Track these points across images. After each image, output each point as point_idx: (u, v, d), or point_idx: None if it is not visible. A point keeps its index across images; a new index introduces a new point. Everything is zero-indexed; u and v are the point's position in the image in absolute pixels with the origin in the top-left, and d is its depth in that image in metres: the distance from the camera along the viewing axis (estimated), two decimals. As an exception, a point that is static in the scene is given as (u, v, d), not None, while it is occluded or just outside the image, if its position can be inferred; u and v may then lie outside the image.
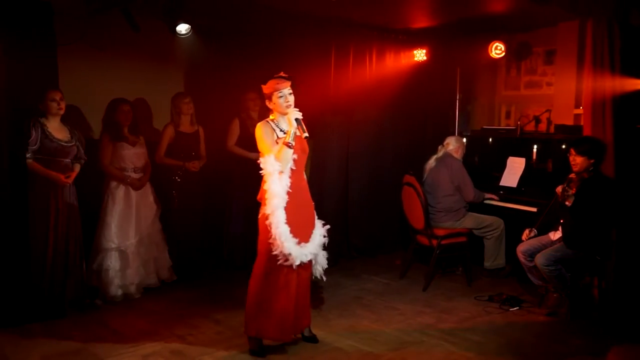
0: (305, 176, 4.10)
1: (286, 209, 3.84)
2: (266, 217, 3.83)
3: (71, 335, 4.30)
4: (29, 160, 4.50)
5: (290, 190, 3.85)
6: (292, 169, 3.87)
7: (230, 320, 4.60)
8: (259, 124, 3.93)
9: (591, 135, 4.83)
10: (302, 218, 3.96)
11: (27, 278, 4.46)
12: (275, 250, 3.81)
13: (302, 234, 3.92)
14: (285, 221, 3.81)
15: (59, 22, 4.85)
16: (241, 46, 6.13)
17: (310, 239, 3.99)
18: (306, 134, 3.87)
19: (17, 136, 4.43)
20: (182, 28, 5.04)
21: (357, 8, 5.46)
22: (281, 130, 3.90)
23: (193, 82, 6.35)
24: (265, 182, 3.86)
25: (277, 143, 3.82)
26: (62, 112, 4.66)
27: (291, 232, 3.83)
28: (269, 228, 3.81)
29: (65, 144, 4.66)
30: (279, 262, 3.83)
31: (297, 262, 3.86)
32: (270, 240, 3.81)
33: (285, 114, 3.87)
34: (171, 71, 6.24)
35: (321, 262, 4.14)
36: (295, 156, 3.85)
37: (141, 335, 4.34)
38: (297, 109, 3.85)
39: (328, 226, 4.14)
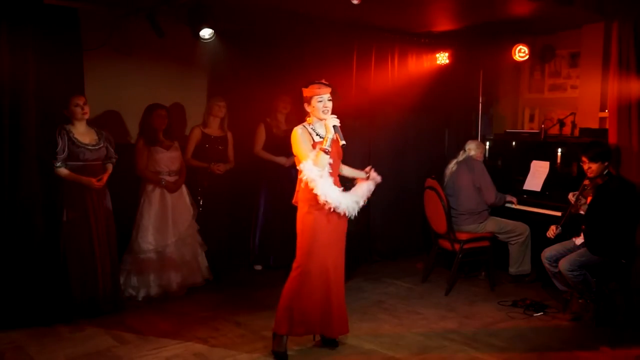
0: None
1: (322, 211, 3.91)
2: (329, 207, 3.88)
3: (96, 337, 4.35)
4: (60, 169, 4.58)
5: None
6: (329, 173, 3.91)
7: (251, 323, 4.62)
8: (295, 128, 3.97)
9: (597, 140, 4.82)
10: (335, 220, 4.00)
11: (53, 279, 4.53)
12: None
13: (332, 235, 3.99)
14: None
15: (85, 27, 4.93)
16: (264, 50, 6.17)
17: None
18: (343, 142, 3.87)
19: (46, 144, 4.49)
20: (206, 33, 5.08)
21: (380, 12, 5.46)
22: (317, 135, 3.94)
23: (216, 86, 6.40)
24: (301, 185, 3.93)
25: (314, 148, 3.86)
26: (86, 116, 4.73)
27: (322, 235, 3.94)
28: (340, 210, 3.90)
29: (92, 148, 4.73)
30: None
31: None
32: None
33: (322, 119, 3.91)
34: (195, 75, 6.29)
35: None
36: (331, 160, 3.89)
37: (164, 337, 4.37)
38: (335, 116, 3.88)
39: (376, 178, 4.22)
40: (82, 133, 4.73)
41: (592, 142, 4.83)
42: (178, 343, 4.26)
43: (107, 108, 5.64)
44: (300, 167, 3.90)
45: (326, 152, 3.80)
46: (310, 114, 3.98)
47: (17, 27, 4.24)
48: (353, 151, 6.34)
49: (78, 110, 4.67)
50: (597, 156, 4.62)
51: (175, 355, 4.06)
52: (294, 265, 4.01)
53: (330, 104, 3.91)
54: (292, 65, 5.94)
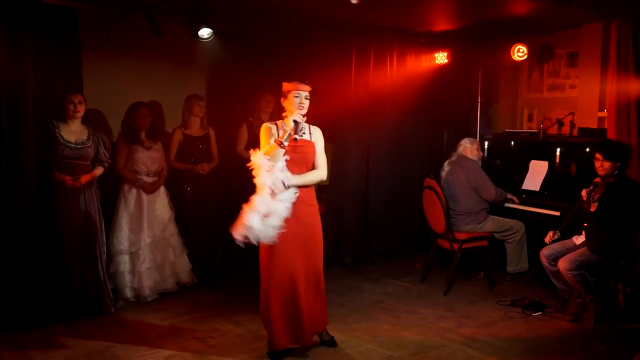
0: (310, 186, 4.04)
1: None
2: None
3: (94, 337, 4.35)
4: None
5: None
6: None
7: (250, 323, 4.62)
8: (264, 124, 4.00)
9: (611, 140, 4.79)
10: (294, 224, 3.87)
11: (51, 279, 4.53)
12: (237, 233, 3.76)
13: (293, 240, 3.87)
14: (256, 209, 3.78)
15: (84, 26, 4.92)
16: (262, 50, 6.17)
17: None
18: (296, 136, 3.81)
19: (45, 143, 4.49)
20: (204, 32, 5.07)
21: (379, 12, 5.46)
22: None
23: (215, 85, 6.39)
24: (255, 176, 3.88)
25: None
26: (78, 114, 4.70)
27: (281, 239, 3.81)
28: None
29: (74, 146, 4.67)
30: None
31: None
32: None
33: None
34: (194, 75, 6.29)
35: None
36: (286, 157, 3.84)
37: (163, 337, 4.37)
38: (302, 115, 3.88)
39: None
40: (71, 131, 4.69)
41: (607, 140, 4.82)
42: (177, 343, 4.26)
43: (106, 107, 5.63)
44: (250, 153, 3.87)
45: (281, 146, 3.77)
46: (286, 110, 3.97)
47: (16, 26, 4.24)
48: (352, 151, 6.37)
49: (71, 107, 4.66)
50: (612, 154, 4.61)
51: (174, 355, 4.06)
52: (260, 268, 3.97)
53: (306, 103, 3.93)
54: (291, 65, 5.93)
